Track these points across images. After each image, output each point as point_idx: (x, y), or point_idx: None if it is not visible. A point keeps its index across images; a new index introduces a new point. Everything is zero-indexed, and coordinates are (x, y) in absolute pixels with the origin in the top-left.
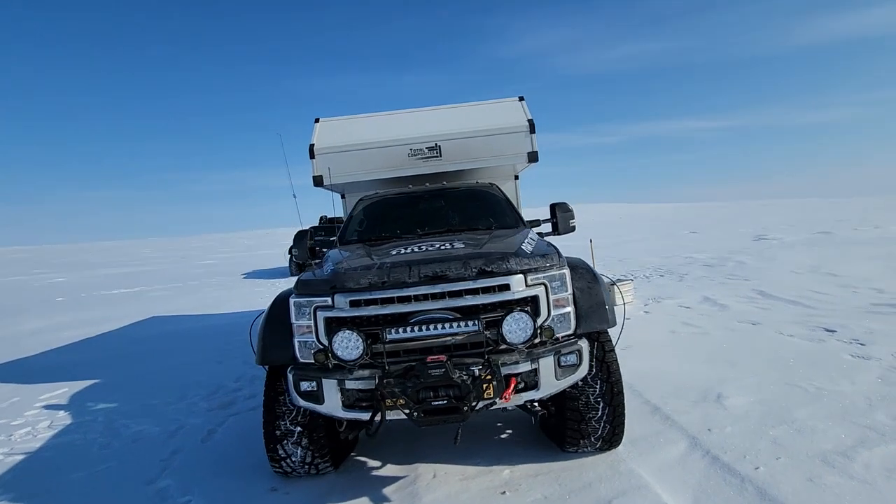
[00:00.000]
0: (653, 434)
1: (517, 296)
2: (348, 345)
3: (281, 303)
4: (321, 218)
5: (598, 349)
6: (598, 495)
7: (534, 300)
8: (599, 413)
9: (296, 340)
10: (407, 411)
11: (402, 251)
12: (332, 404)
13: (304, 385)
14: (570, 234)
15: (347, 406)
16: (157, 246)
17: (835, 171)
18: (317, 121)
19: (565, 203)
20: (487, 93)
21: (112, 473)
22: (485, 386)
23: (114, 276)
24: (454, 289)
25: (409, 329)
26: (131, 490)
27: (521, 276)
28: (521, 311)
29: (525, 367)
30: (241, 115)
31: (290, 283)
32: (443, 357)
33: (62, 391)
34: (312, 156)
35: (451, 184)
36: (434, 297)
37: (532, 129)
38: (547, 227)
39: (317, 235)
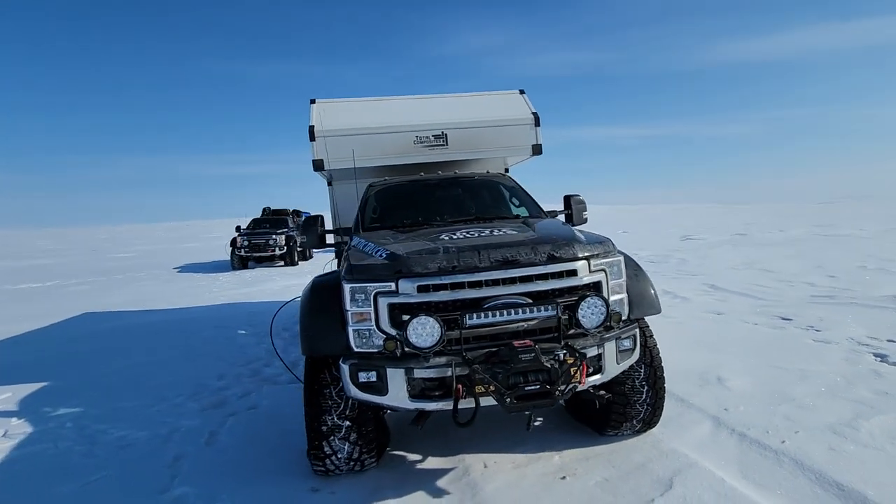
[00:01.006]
0: (676, 416)
1: (584, 281)
2: (424, 331)
3: (324, 288)
4: (264, 209)
5: (639, 334)
6: (656, 475)
7: (596, 286)
8: (644, 396)
9: (350, 329)
10: (497, 397)
11: (452, 237)
12: (398, 395)
13: (363, 376)
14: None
15: (414, 396)
16: (56, 237)
17: (734, 180)
18: (312, 102)
19: (578, 195)
20: (424, 87)
21: (110, 484)
22: (572, 370)
23: (15, 269)
24: (525, 274)
25: (489, 314)
26: (143, 501)
27: (584, 261)
28: (595, 296)
29: (593, 351)
30: (151, 94)
31: (233, 276)
32: (530, 342)
33: (5, 396)
34: (313, 138)
35: (463, 173)
36: (505, 282)
37: (537, 122)
38: (560, 219)
39: (261, 226)
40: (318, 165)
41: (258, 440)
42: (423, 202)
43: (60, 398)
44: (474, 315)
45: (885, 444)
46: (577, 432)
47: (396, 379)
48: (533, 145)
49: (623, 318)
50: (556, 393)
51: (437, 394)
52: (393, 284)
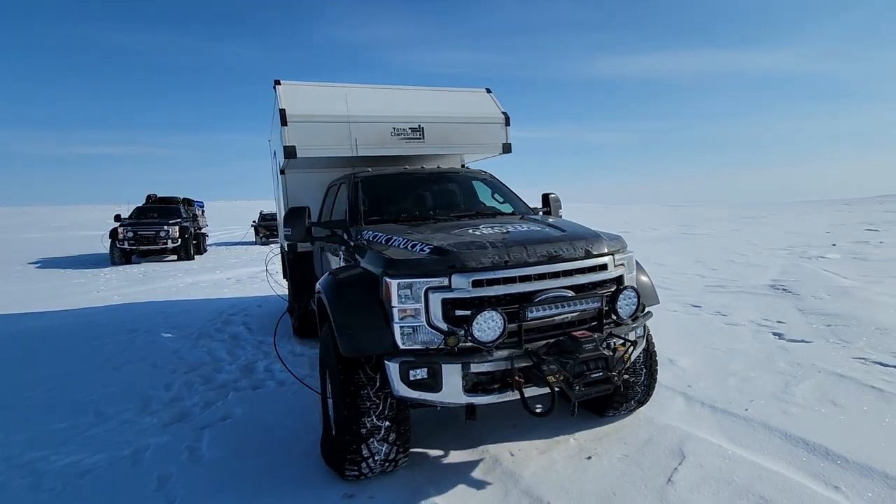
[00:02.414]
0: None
1: (612, 275)
2: (488, 326)
3: (354, 284)
4: (149, 197)
5: None
6: (666, 447)
7: (619, 279)
8: (642, 378)
9: (395, 326)
10: (566, 385)
11: (480, 231)
12: (452, 391)
13: (414, 373)
14: None
15: (468, 391)
16: None
17: (609, 182)
18: (277, 83)
19: (554, 193)
20: (319, 74)
21: None
22: (625, 356)
23: None
24: (569, 268)
25: (545, 307)
26: None
27: (611, 257)
28: (631, 288)
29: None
30: None
31: (118, 272)
32: (589, 332)
33: None
34: (285, 122)
35: (448, 168)
36: (551, 275)
37: (507, 122)
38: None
39: (148, 216)
40: (290, 152)
41: (251, 451)
42: (417, 195)
43: None
44: (534, 309)
45: (816, 406)
46: (576, 415)
47: (452, 375)
48: (503, 144)
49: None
50: (615, 378)
51: (495, 387)
52: (445, 279)
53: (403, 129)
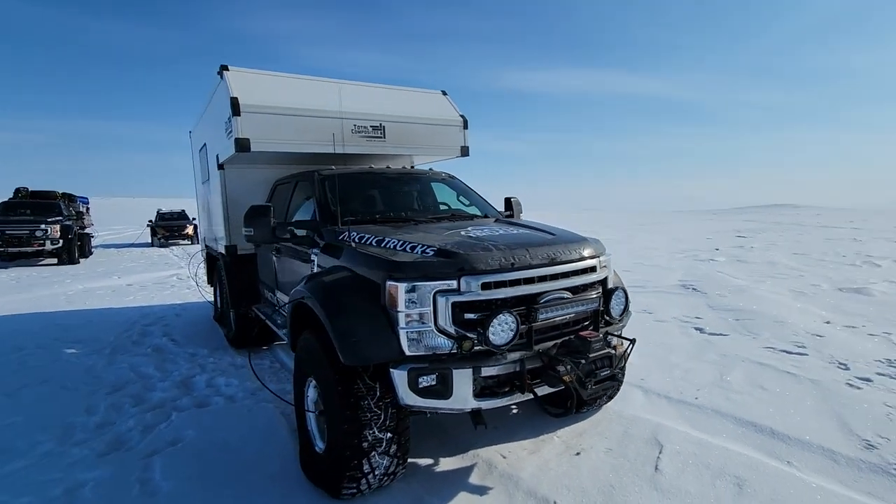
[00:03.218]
0: None
1: (600, 276)
2: (503, 328)
3: (348, 287)
4: (17, 191)
5: None
6: (642, 437)
7: (604, 281)
8: None
9: (402, 331)
10: (579, 384)
11: (474, 233)
12: (463, 396)
13: (424, 380)
14: None
15: (477, 395)
16: None
17: (509, 189)
18: (225, 69)
19: (516, 197)
20: (221, 59)
21: None
22: (626, 353)
23: None
24: (567, 270)
25: (553, 309)
26: None
27: (598, 259)
28: (621, 290)
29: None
30: None
31: (8, 276)
32: (596, 332)
33: None
34: (237, 113)
35: (416, 170)
36: (552, 277)
37: (465, 125)
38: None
39: (17, 212)
40: (243, 146)
41: (217, 478)
42: (387, 196)
43: None
44: (543, 310)
45: (751, 390)
46: (546, 414)
47: (463, 380)
48: (461, 147)
49: None
50: (619, 375)
51: (505, 390)
52: (454, 282)
53: (364, 127)
